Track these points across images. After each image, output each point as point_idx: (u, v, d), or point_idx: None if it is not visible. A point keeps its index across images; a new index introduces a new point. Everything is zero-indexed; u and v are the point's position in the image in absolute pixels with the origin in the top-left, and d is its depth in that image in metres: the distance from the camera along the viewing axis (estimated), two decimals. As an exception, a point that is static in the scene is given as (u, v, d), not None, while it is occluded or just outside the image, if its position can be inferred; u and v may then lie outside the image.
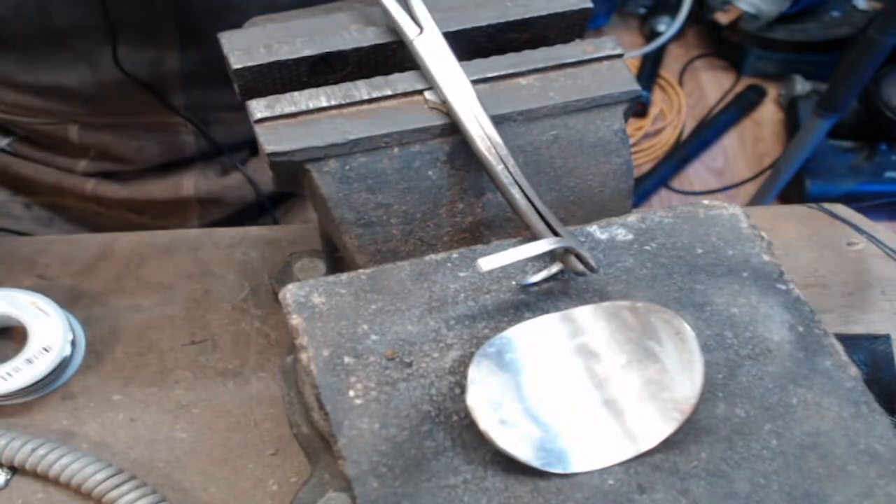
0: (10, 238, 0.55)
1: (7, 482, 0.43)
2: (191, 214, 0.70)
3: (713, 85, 1.62)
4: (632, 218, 0.31)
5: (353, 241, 0.31)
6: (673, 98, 1.59)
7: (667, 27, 1.48)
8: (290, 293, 0.28)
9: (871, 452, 0.27)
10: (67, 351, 0.46)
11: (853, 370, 0.29)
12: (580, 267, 0.28)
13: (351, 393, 0.27)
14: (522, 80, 0.33)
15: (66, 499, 0.43)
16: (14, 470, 0.44)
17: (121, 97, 0.60)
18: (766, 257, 0.31)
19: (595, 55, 0.33)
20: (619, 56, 0.34)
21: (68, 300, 0.49)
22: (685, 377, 0.27)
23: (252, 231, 0.54)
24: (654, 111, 1.55)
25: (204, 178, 0.68)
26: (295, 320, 0.28)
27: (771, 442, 0.27)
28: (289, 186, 0.33)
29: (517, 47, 0.33)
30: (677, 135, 1.54)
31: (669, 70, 1.61)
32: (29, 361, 0.46)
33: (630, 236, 0.31)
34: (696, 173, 1.52)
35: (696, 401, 0.26)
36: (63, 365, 0.46)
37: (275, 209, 0.71)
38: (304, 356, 0.28)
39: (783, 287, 0.30)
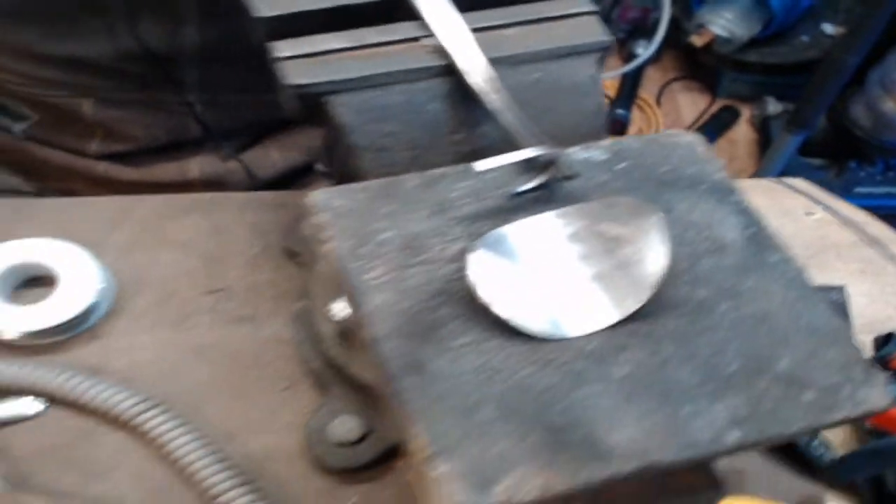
0: (34, 199, 0.60)
1: (43, 411, 0.47)
2: None
3: (689, 106, 1.70)
4: (605, 142, 0.37)
5: (366, 165, 0.37)
6: (651, 118, 1.67)
7: (644, 50, 1.55)
8: (315, 196, 0.33)
9: (813, 327, 0.32)
10: (95, 294, 0.51)
11: (795, 263, 0.34)
12: (564, 174, 0.34)
13: (371, 274, 0.32)
14: (508, 31, 0.39)
15: (98, 426, 0.46)
16: (50, 400, 0.47)
17: (136, 71, 0.63)
18: (720, 175, 0.36)
19: (571, 11, 0.40)
20: (593, 13, 0.40)
21: (95, 252, 0.53)
22: (655, 256, 0.32)
23: (263, 195, 0.59)
24: (632, 130, 1.62)
25: (208, 162, 0.72)
26: (321, 217, 0.33)
27: (728, 316, 0.32)
28: (307, 119, 0.38)
29: (503, 4, 0.39)
30: (656, 151, 1.61)
31: (647, 91, 1.69)
32: (60, 303, 0.50)
33: (605, 156, 0.36)
34: (675, 187, 1.58)
35: (664, 273, 0.32)
36: (92, 308, 0.51)
37: None
38: (329, 246, 0.32)
39: (735, 198, 0.36)
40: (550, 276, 0.32)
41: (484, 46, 0.37)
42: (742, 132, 1.66)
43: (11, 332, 0.49)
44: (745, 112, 1.67)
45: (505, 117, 0.35)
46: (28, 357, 0.49)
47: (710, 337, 0.32)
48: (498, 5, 0.39)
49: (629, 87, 1.60)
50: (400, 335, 0.31)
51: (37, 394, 0.47)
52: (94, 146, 0.70)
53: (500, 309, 0.31)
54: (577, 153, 0.36)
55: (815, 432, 0.45)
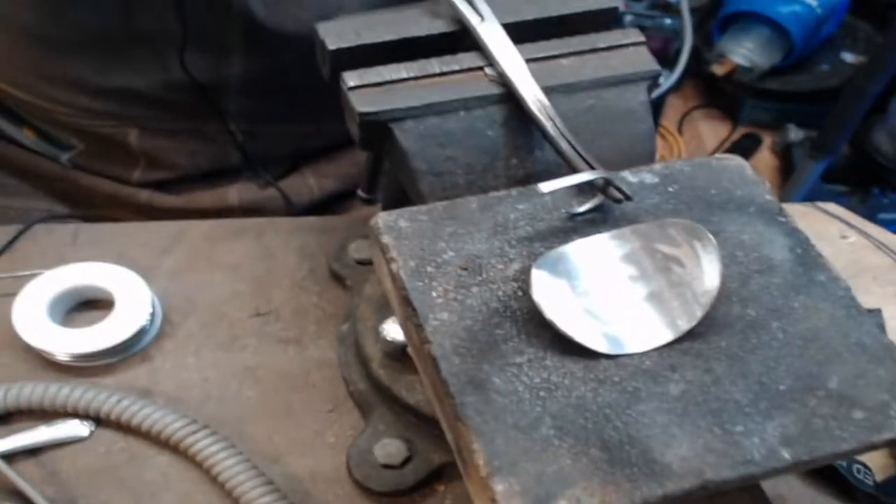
0: (90, 225, 0.61)
1: (91, 433, 0.48)
2: None
3: (711, 134, 1.71)
4: (657, 166, 0.38)
5: (426, 188, 0.38)
6: (673, 146, 1.68)
7: (665, 79, 1.57)
8: (380, 218, 0.35)
9: (862, 345, 0.33)
10: (147, 318, 0.52)
11: (843, 283, 0.35)
12: (618, 196, 0.35)
13: (433, 294, 0.33)
14: (564, 61, 0.40)
15: (145, 447, 0.48)
16: (98, 422, 0.48)
17: (182, 101, 0.65)
18: (768, 197, 0.37)
19: (622, 42, 0.41)
20: (642, 43, 0.41)
21: (147, 276, 0.54)
22: (707, 276, 0.33)
23: (310, 220, 0.61)
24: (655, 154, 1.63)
25: (247, 189, 0.74)
26: (385, 239, 0.34)
27: (778, 335, 0.33)
28: (369, 145, 0.40)
29: (558, 36, 0.41)
30: (678, 179, 1.62)
31: (669, 119, 1.70)
32: (113, 326, 0.51)
33: (656, 179, 0.37)
34: (698, 214, 1.58)
35: (717, 294, 0.33)
36: (143, 331, 0.52)
37: None
38: (393, 266, 0.34)
39: (783, 220, 0.37)
40: (606, 295, 0.33)
41: (540, 76, 0.39)
42: (764, 159, 1.67)
43: (63, 355, 0.51)
44: (767, 139, 1.68)
45: (560, 143, 0.36)
46: (77, 379, 0.50)
47: (761, 355, 0.33)
48: (554, 37, 0.41)
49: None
50: (461, 353, 0.32)
51: (86, 416, 0.48)
52: (137, 174, 0.72)
53: (563, 325, 0.32)
54: (630, 176, 0.37)
55: (858, 453, 0.46)
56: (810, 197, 1.49)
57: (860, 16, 1.70)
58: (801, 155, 1.53)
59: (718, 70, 1.59)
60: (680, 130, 1.69)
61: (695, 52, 1.61)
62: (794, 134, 1.62)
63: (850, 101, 1.35)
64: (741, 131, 1.69)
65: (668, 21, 1.48)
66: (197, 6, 0.58)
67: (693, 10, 1.51)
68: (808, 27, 1.56)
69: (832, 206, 0.64)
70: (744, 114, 1.68)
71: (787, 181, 1.55)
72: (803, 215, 0.63)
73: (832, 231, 0.62)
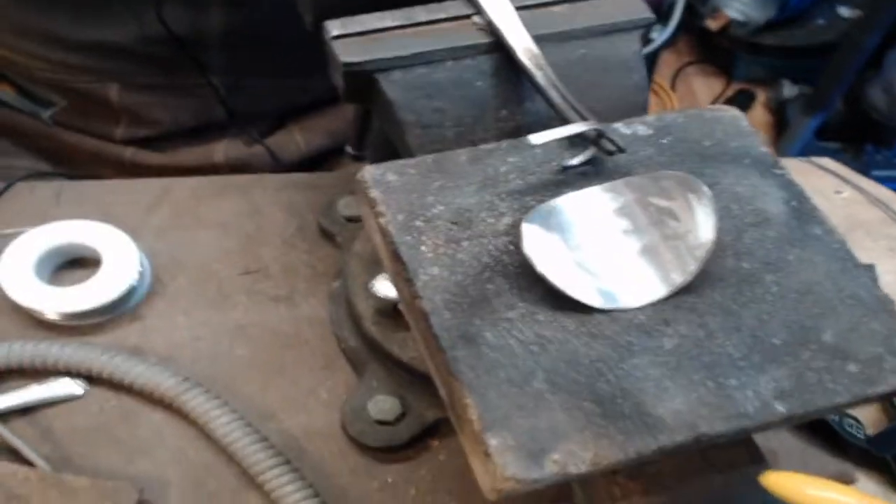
0: (74, 182, 0.60)
1: (84, 392, 0.48)
2: None
3: (705, 90, 1.69)
4: (650, 118, 0.37)
5: (414, 140, 0.37)
6: (666, 102, 1.66)
7: (659, 34, 1.55)
8: (367, 172, 0.34)
9: (856, 297, 0.33)
10: (136, 276, 0.51)
11: (838, 236, 0.34)
12: (611, 148, 0.34)
13: (423, 248, 0.32)
14: (555, 8, 0.39)
15: (138, 405, 0.47)
16: (90, 380, 0.48)
17: (162, 55, 0.64)
18: (763, 149, 0.37)
19: (615, -12, 0.40)
20: (636, -10, 0.40)
21: (134, 234, 0.53)
22: (702, 229, 0.32)
23: (298, 177, 0.60)
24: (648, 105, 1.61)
25: (233, 147, 0.73)
26: (373, 193, 0.34)
27: (772, 288, 0.33)
28: (354, 97, 0.39)
29: (550, -16, 0.40)
30: (671, 135, 1.61)
31: (662, 76, 1.69)
32: (102, 285, 0.51)
33: (650, 131, 0.36)
34: (691, 171, 1.58)
35: (712, 247, 0.32)
36: (132, 290, 0.51)
37: None
38: (381, 220, 0.33)
39: (778, 172, 0.36)
40: (599, 249, 0.33)
41: (530, 24, 0.37)
42: (758, 115, 1.65)
43: (52, 313, 0.50)
44: (761, 95, 1.67)
45: (550, 93, 0.35)
46: (68, 338, 0.50)
47: (755, 309, 0.32)
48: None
49: (644, 71, 1.59)
50: (452, 307, 0.31)
51: (78, 374, 0.48)
52: (120, 131, 0.71)
53: (555, 280, 0.31)
54: (623, 128, 0.36)
55: (851, 406, 0.46)
56: (804, 153, 1.49)
57: (857, -32, 1.67)
58: (796, 111, 1.52)
59: (712, 24, 1.57)
60: (673, 87, 1.68)
61: (688, 7, 1.59)
62: (789, 90, 1.61)
63: (845, 55, 1.33)
64: (735, 87, 1.67)
65: (662, -26, 1.45)
66: None
67: (688, -38, 1.49)
68: (804, -21, 1.54)
69: (827, 161, 0.63)
70: (738, 69, 1.67)
71: (782, 137, 1.54)
72: (798, 170, 0.62)
73: (827, 186, 0.62)
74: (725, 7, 1.57)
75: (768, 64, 1.65)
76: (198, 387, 0.47)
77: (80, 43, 0.63)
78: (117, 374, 0.47)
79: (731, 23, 1.58)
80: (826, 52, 1.46)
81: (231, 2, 0.61)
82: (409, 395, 0.47)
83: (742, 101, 1.66)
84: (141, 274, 0.52)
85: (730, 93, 1.67)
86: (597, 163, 0.35)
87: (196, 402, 0.46)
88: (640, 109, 0.39)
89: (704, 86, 1.70)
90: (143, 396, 0.47)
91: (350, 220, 0.54)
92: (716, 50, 1.68)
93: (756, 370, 0.31)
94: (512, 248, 0.33)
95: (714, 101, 1.65)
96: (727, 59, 1.67)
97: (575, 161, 0.34)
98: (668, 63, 1.70)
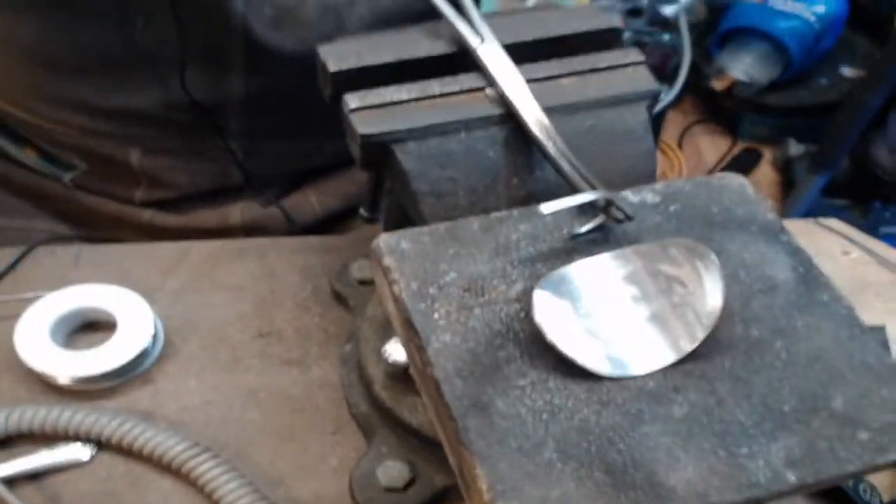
0: (93, 246, 0.62)
1: (92, 457, 0.48)
2: None
3: (711, 148, 1.71)
4: (658, 185, 0.38)
5: (428, 209, 0.38)
6: (674, 160, 1.68)
7: (665, 95, 1.57)
8: (382, 240, 0.35)
9: (866, 364, 0.33)
10: (149, 340, 0.52)
11: (846, 302, 0.35)
12: (620, 216, 0.35)
13: (436, 315, 0.33)
14: (564, 81, 0.41)
15: (147, 471, 0.47)
16: (99, 445, 0.48)
17: (183, 121, 0.65)
18: (769, 215, 0.37)
19: (622, 61, 0.41)
20: (642, 62, 0.41)
21: (149, 297, 0.54)
22: (709, 296, 0.33)
23: (313, 240, 0.61)
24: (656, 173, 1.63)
25: (249, 208, 0.74)
26: (387, 260, 0.34)
27: (782, 355, 0.33)
28: (370, 166, 0.40)
29: (558, 56, 0.41)
30: (679, 193, 1.62)
31: (669, 134, 1.71)
32: (115, 349, 0.51)
33: (657, 199, 0.37)
34: (699, 229, 1.58)
35: (720, 314, 0.32)
36: (145, 353, 0.52)
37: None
38: (395, 288, 0.34)
39: (785, 238, 0.37)
40: (608, 317, 0.33)
41: (541, 96, 0.39)
42: (765, 174, 1.67)
43: (64, 378, 0.50)
44: (767, 154, 1.68)
45: (561, 163, 0.36)
46: (79, 402, 0.50)
47: (764, 376, 0.33)
48: (554, 57, 0.41)
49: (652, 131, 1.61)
50: (463, 375, 0.32)
51: (87, 439, 0.48)
52: (139, 194, 0.72)
53: (565, 348, 0.32)
54: (631, 196, 0.37)
55: (863, 474, 0.46)
56: (812, 211, 1.49)
57: (858, 30, 1.71)
58: (802, 169, 1.53)
59: (717, 85, 1.60)
60: (680, 145, 1.70)
61: (694, 68, 1.62)
62: (794, 148, 1.62)
63: (849, 115, 1.35)
64: (741, 146, 1.69)
65: (666, 37, 1.48)
66: (197, 26, 0.59)
67: (691, 26, 1.52)
68: (805, 42, 1.57)
69: (834, 222, 0.64)
70: (743, 128, 1.69)
71: (789, 195, 1.55)
72: (805, 231, 0.63)
73: (834, 247, 0.62)
74: (730, 68, 1.60)
75: (773, 123, 1.67)
76: (207, 452, 0.47)
77: (105, 109, 0.64)
78: (127, 440, 0.47)
79: (736, 83, 1.61)
80: (830, 112, 1.48)
81: (251, 69, 0.63)
82: (419, 461, 0.46)
83: (749, 159, 1.67)
84: (154, 338, 0.53)
85: (736, 151, 1.68)
86: (606, 230, 0.36)
87: (205, 467, 0.46)
88: (649, 177, 0.40)
89: (711, 144, 1.72)
90: (152, 462, 0.47)
91: (363, 283, 0.55)
92: (721, 110, 1.70)
93: (767, 438, 0.31)
94: (523, 315, 0.33)
95: (721, 160, 1.67)
96: (733, 118, 1.69)
97: (584, 229, 0.35)
98: (674, 122, 1.73)
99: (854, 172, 1.57)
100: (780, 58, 1.59)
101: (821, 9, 1.56)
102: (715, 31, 1.66)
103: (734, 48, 1.62)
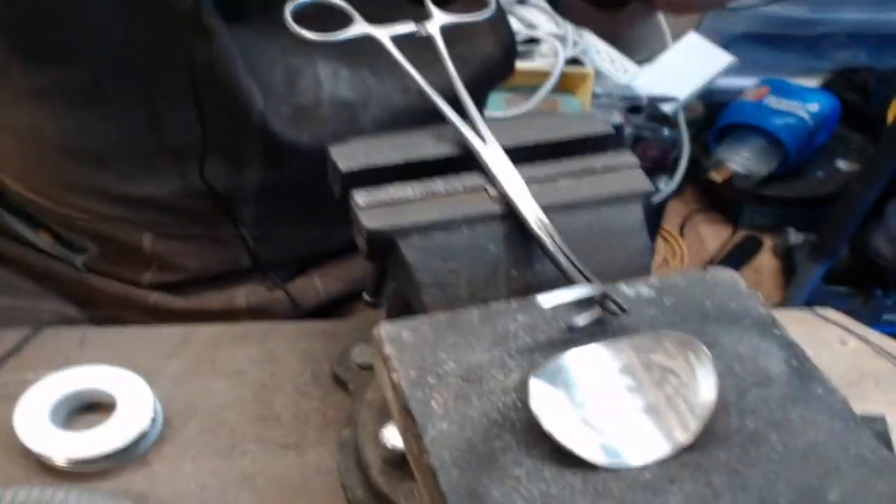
0: (99, 329, 0.62)
1: (86, 541, 0.48)
2: None
3: (712, 236, 1.74)
4: (653, 279, 0.39)
5: (430, 299, 0.39)
6: (675, 248, 1.70)
7: (666, 185, 1.61)
8: (383, 328, 0.36)
9: (861, 458, 0.33)
10: (148, 422, 0.52)
11: (840, 395, 0.35)
12: (615, 309, 0.36)
13: (433, 404, 0.34)
14: (562, 182, 0.42)
15: (140, 559, 0.47)
16: (93, 529, 0.48)
17: (198, 208, 0.67)
18: (762, 310, 0.38)
19: (617, 163, 0.43)
20: (636, 165, 0.43)
21: (151, 380, 0.55)
22: (703, 388, 0.33)
23: (315, 325, 0.62)
24: (658, 260, 1.65)
25: (255, 292, 0.75)
26: (387, 349, 0.35)
27: (777, 448, 0.33)
28: (375, 257, 0.41)
29: (556, 157, 0.43)
30: (681, 281, 1.63)
31: (671, 223, 1.73)
32: (113, 430, 0.51)
33: (652, 293, 0.38)
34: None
35: (714, 406, 0.33)
36: (143, 436, 0.52)
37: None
38: (394, 376, 0.34)
39: (778, 332, 0.37)
40: (604, 407, 0.34)
41: (540, 195, 0.40)
42: (766, 261, 1.69)
43: (61, 459, 0.50)
44: (768, 242, 1.71)
45: (559, 258, 0.38)
46: (74, 483, 0.50)
47: (760, 468, 0.33)
48: (552, 158, 0.43)
49: (653, 220, 1.64)
50: (459, 465, 0.32)
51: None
52: (148, 277, 0.73)
53: (561, 437, 0.32)
54: (626, 289, 0.38)
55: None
56: (813, 298, 1.50)
57: (851, 127, 1.76)
58: (803, 257, 1.55)
59: (716, 177, 1.64)
60: (682, 234, 1.72)
61: (693, 161, 1.66)
62: (794, 237, 1.65)
63: (845, 207, 1.38)
64: (742, 234, 1.72)
65: (666, 132, 1.53)
66: (219, 120, 0.61)
67: (689, 122, 1.57)
68: (801, 137, 1.61)
69: (831, 312, 0.64)
70: (744, 217, 1.72)
71: (790, 283, 1.56)
72: (802, 321, 0.64)
73: (831, 337, 0.63)
74: (728, 161, 1.64)
75: (773, 213, 1.70)
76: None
77: (124, 196, 0.66)
78: (118, 526, 0.47)
79: (734, 175, 1.64)
80: (827, 203, 1.51)
81: (268, 162, 0.65)
82: (416, 550, 0.46)
83: (750, 247, 1.69)
84: (153, 420, 0.53)
85: (737, 239, 1.71)
86: (603, 322, 0.37)
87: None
88: (644, 271, 0.41)
89: (712, 232, 1.75)
90: (146, 547, 0.47)
91: (363, 367, 0.56)
92: (721, 199, 1.74)
93: (765, 533, 0.31)
94: (520, 404, 0.34)
95: (722, 248, 1.69)
96: (733, 207, 1.73)
97: (581, 322, 0.36)
98: (676, 211, 1.76)
99: (854, 261, 1.58)
100: (776, 152, 1.63)
101: (814, 107, 1.61)
102: (713, 127, 1.71)
103: (732, 142, 1.67)
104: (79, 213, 0.68)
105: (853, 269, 1.58)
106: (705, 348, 0.34)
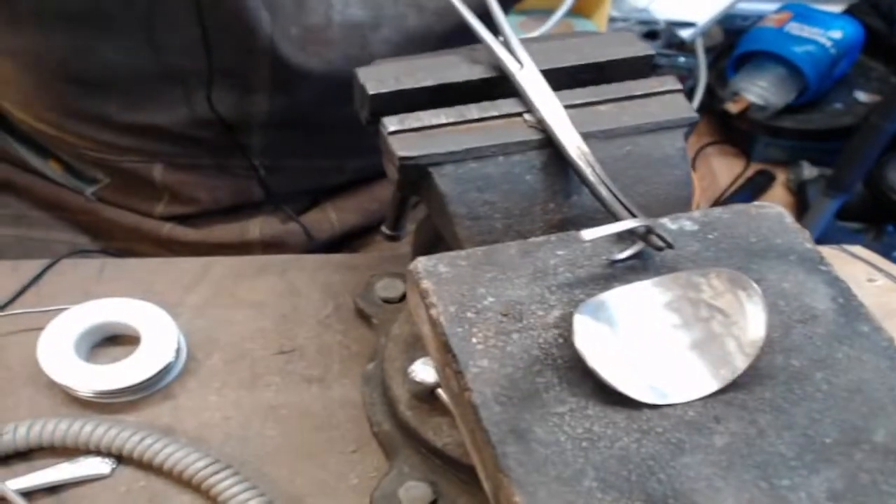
0: (117, 259, 0.61)
1: (112, 471, 0.48)
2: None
3: (724, 169, 1.71)
4: (696, 213, 0.38)
5: (464, 232, 0.38)
6: (687, 181, 1.68)
7: (679, 116, 1.57)
8: (420, 263, 0.35)
9: (907, 397, 0.33)
10: (173, 354, 0.52)
11: (886, 333, 0.34)
12: (660, 244, 0.35)
13: (474, 340, 0.33)
14: (602, 107, 0.40)
15: (166, 487, 0.47)
16: (119, 459, 0.48)
17: (207, 138, 0.66)
18: (808, 245, 0.37)
19: (659, 89, 0.41)
20: (679, 90, 0.41)
21: (172, 312, 0.54)
22: (752, 326, 0.33)
23: (335, 258, 0.61)
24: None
25: (268, 224, 0.74)
26: (425, 283, 0.34)
27: (822, 386, 0.33)
28: (408, 188, 0.40)
29: (596, 83, 0.41)
30: (692, 214, 1.62)
31: (682, 156, 1.70)
32: (139, 363, 0.51)
33: (696, 227, 0.37)
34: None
35: (762, 344, 0.32)
36: (167, 368, 0.52)
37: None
38: (433, 311, 0.34)
39: (824, 268, 0.36)
40: (648, 344, 0.33)
41: (579, 122, 0.39)
42: (778, 196, 1.66)
43: (86, 391, 0.50)
44: (780, 176, 1.68)
45: (599, 189, 0.36)
46: (99, 415, 0.50)
47: (805, 407, 0.32)
48: (591, 84, 0.41)
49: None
50: (501, 402, 0.32)
51: (108, 453, 0.48)
52: (160, 208, 0.72)
53: (605, 374, 0.31)
54: (669, 223, 0.37)
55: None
56: (825, 233, 1.49)
57: (873, 56, 1.71)
58: (816, 192, 1.53)
59: (732, 108, 1.60)
60: (693, 166, 1.70)
61: (709, 90, 1.62)
62: (808, 171, 1.62)
63: (864, 139, 1.35)
64: (755, 168, 1.69)
65: (682, 59, 1.49)
66: (224, 44, 0.59)
67: (707, 49, 1.53)
68: (821, 67, 1.57)
69: (858, 249, 0.63)
70: (757, 151, 1.68)
71: (802, 218, 1.55)
72: (830, 258, 0.63)
73: (859, 274, 0.62)
74: (745, 91, 1.60)
75: (787, 146, 1.66)
76: (227, 469, 0.47)
77: (130, 125, 0.65)
78: (147, 455, 0.47)
79: (751, 106, 1.61)
80: (845, 136, 1.48)
81: (276, 88, 0.63)
82: (442, 482, 0.46)
83: (761, 181, 1.67)
84: (178, 353, 0.53)
85: (749, 173, 1.68)
86: (644, 257, 0.36)
87: (224, 484, 0.46)
88: (685, 204, 0.40)
89: (724, 166, 1.72)
90: (172, 478, 0.47)
91: (387, 301, 0.55)
92: (736, 132, 1.70)
93: (808, 470, 0.31)
94: (562, 341, 0.33)
95: (734, 181, 1.67)
96: (747, 140, 1.69)
97: (624, 255, 0.35)
98: (688, 143, 1.73)
99: (868, 196, 1.56)
100: (795, 82, 1.59)
101: (837, 34, 1.56)
102: (731, 55, 1.67)
103: (750, 71, 1.62)
104: (86, 142, 0.67)
105: (866, 204, 1.56)
106: (755, 285, 0.33)
